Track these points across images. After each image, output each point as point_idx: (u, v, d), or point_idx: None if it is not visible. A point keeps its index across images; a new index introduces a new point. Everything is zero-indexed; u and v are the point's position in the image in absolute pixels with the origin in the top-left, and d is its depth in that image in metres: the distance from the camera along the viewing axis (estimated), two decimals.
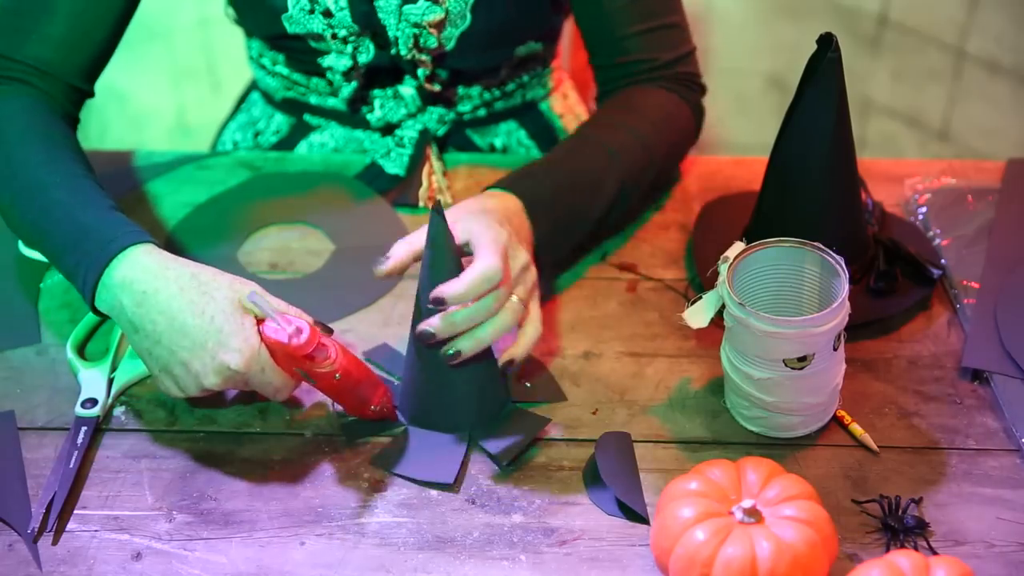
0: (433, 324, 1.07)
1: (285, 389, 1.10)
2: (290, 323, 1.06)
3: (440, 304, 1.06)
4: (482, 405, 1.14)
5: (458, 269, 1.07)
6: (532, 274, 1.14)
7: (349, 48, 1.38)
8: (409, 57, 1.38)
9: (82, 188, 1.17)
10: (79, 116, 1.32)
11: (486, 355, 1.12)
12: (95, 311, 1.12)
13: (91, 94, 1.31)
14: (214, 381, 1.07)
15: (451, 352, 1.08)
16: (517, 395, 1.17)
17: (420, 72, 1.41)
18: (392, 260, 1.11)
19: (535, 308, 1.14)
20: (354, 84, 1.43)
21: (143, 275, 1.09)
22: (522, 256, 1.13)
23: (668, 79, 1.37)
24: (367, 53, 1.39)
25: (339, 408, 1.15)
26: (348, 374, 1.09)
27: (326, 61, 1.41)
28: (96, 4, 1.27)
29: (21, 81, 1.25)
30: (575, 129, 1.35)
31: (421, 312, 1.09)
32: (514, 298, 1.10)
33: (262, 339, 1.07)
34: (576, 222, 1.26)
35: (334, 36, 1.36)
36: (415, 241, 1.12)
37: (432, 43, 1.36)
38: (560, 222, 1.23)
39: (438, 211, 1.06)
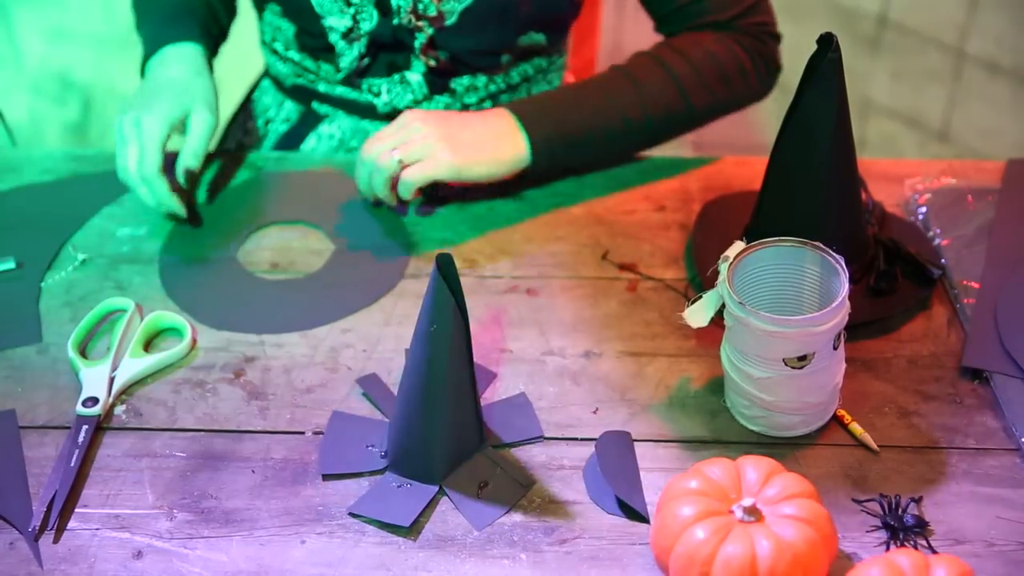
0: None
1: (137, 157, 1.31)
2: None
3: None
4: (455, 447, 1.10)
5: (461, 316, 1.04)
6: (410, 133, 1.31)
7: (351, 11, 1.39)
8: (408, 24, 1.39)
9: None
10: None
11: (463, 399, 1.08)
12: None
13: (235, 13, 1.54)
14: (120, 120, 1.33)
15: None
16: (493, 439, 1.14)
17: (418, 38, 1.41)
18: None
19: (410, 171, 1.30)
20: (355, 51, 1.43)
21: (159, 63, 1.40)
22: (405, 118, 1.32)
23: (735, 28, 1.42)
24: (370, 20, 1.40)
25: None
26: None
27: (328, 20, 1.41)
28: None
29: None
30: (623, 63, 1.43)
31: (416, 357, 1.06)
32: (395, 156, 1.30)
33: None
34: (580, 135, 1.37)
35: None
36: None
37: (432, 10, 1.37)
38: (558, 131, 1.35)
39: (442, 264, 1.03)
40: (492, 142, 1.34)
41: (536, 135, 1.35)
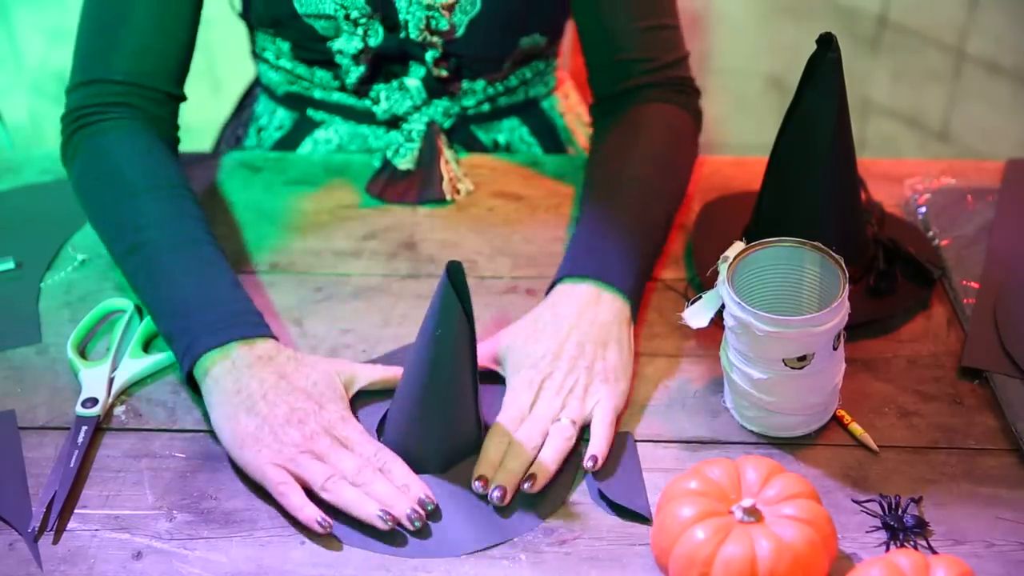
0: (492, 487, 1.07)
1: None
2: None
3: (483, 481, 1.07)
4: (455, 449, 1.10)
5: (467, 324, 1.04)
6: (597, 394, 1.13)
7: (360, 31, 1.39)
8: (420, 39, 1.39)
9: (195, 258, 1.20)
10: (178, 125, 1.36)
11: (464, 404, 1.08)
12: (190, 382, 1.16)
13: (184, 98, 1.35)
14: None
15: (496, 494, 1.06)
16: None
17: (430, 54, 1.41)
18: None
19: (602, 428, 1.11)
20: (362, 68, 1.43)
21: (231, 375, 1.12)
22: (577, 378, 1.14)
23: (665, 84, 1.38)
24: (376, 36, 1.39)
25: None
26: None
27: (336, 45, 1.41)
28: (169, 4, 1.30)
29: (121, 104, 1.30)
30: (608, 162, 1.33)
31: (419, 359, 1.06)
32: (564, 420, 1.11)
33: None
34: (647, 278, 1.28)
35: (347, 17, 1.37)
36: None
37: (444, 25, 1.37)
38: (641, 290, 1.24)
39: (451, 272, 1.02)
40: (617, 329, 1.19)
41: (630, 294, 1.22)
